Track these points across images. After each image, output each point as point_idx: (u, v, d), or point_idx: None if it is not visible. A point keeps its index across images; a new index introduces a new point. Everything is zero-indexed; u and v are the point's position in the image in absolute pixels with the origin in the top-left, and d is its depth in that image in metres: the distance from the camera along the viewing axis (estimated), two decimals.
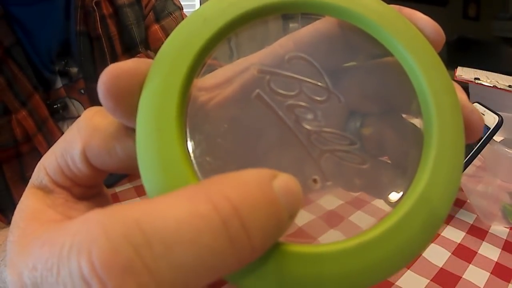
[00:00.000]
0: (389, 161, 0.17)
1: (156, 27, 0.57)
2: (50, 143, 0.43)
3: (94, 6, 0.47)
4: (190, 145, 0.13)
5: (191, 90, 0.13)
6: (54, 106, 0.46)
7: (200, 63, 0.13)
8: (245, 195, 0.10)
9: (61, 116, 0.47)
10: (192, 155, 0.13)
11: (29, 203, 0.15)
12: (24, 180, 0.42)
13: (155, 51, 0.54)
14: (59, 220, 0.14)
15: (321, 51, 0.15)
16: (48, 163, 0.16)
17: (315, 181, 0.16)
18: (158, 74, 0.13)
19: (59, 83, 0.46)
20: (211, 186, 0.11)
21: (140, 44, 0.54)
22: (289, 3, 0.14)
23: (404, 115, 0.16)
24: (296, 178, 0.11)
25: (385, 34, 0.14)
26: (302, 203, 0.12)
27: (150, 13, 0.57)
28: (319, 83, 0.15)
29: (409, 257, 0.12)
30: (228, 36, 0.14)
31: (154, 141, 0.12)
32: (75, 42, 0.47)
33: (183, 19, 0.47)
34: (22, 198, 0.16)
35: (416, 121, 0.14)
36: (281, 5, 0.14)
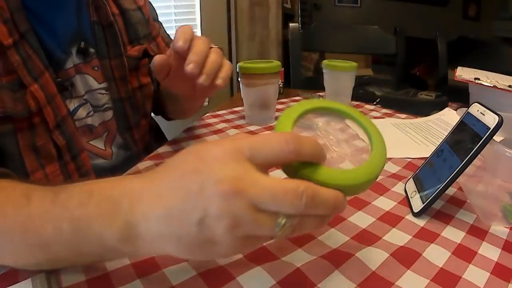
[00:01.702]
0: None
1: (159, 38, 0.75)
2: (57, 116, 0.50)
3: (104, 1, 0.59)
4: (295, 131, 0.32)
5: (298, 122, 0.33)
6: (64, 84, 0.53)
7: (298, 119, 0.33)
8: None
9: (69, 93, 0.54)
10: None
11: None
12: (35, 149, 0.48)
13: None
14: None
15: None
16: None
17: None
18: (285, 116, 0.33)
19: (70, 63, 0.55)
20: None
21: (143, 38, 0.67)
22: (318, 107, 0.34)
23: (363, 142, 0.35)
24: None
25: (362, 122, 0.35)
26: None
27: (156, 24, 0.75)
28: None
29: (373, 178, 0.31)
30: (306, 114, 0.34)
31: (283, 125, 0.32)
32: (88, 30, 0.58)
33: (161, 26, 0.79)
34: None
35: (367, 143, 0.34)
36: (316, 108, 0.34)
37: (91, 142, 0.59)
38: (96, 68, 0.59)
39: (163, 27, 0.79)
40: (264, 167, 0.27)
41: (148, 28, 0.69)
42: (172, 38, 0.51)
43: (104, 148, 0.61)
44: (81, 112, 0.56)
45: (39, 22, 0.49)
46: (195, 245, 0.26)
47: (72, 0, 0.55)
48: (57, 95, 0.50)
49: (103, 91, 0.60)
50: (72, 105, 0.55)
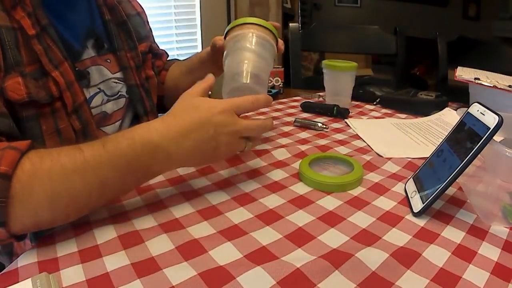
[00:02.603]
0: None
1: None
2: (75, 102, 0.55)
3: (116, 3, 0.69)
4: None
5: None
6: (82, 72, 0.59)
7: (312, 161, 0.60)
8: None
9: (86, 82, 0.60)
10: None
11: None
12: (58, 132, 0.53)
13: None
14: None
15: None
16: None
17: None
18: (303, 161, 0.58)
19: (86, 55, 0.61)
20: None
21: (144, 38, 0.78)
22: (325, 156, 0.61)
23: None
24: None
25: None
26: None
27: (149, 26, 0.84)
28: None
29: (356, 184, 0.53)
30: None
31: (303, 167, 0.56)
32: (101, 27, 0.66)
33: None
34: None
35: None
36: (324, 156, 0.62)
37: (102, 129, 0.64)
38: (108, 60, 0.66)
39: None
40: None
41: (146, 30, 0.81)
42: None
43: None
44: (97, 100, 0.62)
45: (58, 18, 0.56)
46: (207, 151, 0.45)
47: (83, 1, 0.63)
48: (75, 83, 0.55)
49: (117, 80, 0.67)
50: (88, 94, 0.60)
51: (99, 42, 0.64)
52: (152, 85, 0.77)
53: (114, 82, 0.66)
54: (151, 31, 0.86)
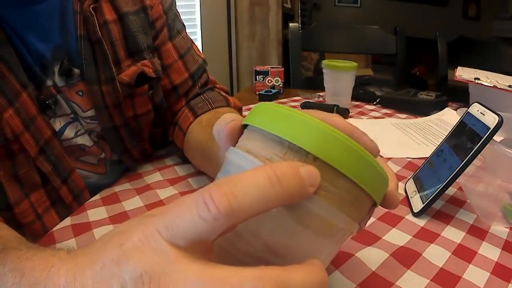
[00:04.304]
0: None
1: (169, 45, 0.59)
2: (39, 141, 0.43)
3: (92, 11, 0.47)
4: None
5: None
6: (46, 102, 0.46)
7: None
8: None
9: (53, 112, 0.47)
10: None
11: None
12: (17, 178, 0.43)
13: (168, 66, 0.59)
14: None
15: None
16: None
17: None
18: None
19: (50, 82, 0.47)
20: None
21: (146, 50, 0.54)
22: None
23: None
24: None
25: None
26: None
27: (164, 30, 0.58)
28: None
29: None
30: None
31: None
32: (74, 46, 0.47)
33: (188, 37, 0.63)
34: None
35: None
36: None
37: (81, 158, 0.52)
38: (80, 93, 0.49)
39: (184, 31, 0.64)
40: (195, 244, 0.20)
41: (151, 36, 0.56)
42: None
43: (96, 163, 0.54)
44: (69, 132, 0.49)
45: (15, 33, 0.43)
46: None
47: (55, 7, 0.46)
48: (37, 117, 0.44)
49: (89, 120, 0.50)
50: (58, 124, 0.48)
51: (67, 69, 0.47)
52: (144, 123, 0.57)
53: (86, 122, 0.51)
54: (180, 27, 0.62)
